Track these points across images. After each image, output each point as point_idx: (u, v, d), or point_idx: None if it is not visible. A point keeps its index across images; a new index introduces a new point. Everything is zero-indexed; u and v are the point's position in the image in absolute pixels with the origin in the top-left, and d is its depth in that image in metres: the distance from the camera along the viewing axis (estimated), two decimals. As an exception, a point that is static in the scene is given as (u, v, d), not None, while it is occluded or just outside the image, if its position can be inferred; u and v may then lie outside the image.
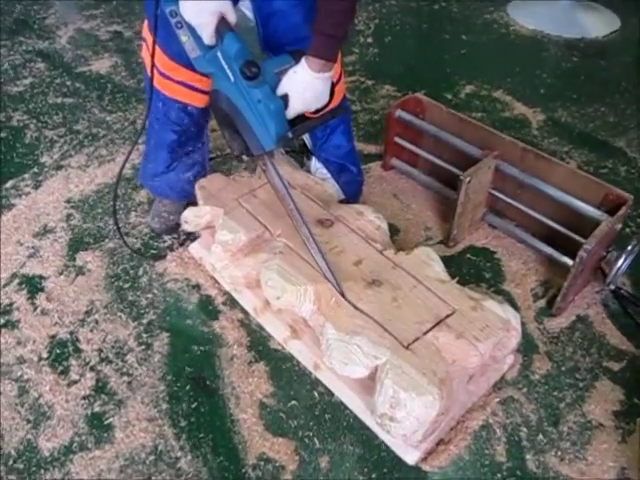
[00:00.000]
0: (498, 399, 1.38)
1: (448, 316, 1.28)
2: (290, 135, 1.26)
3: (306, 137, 1.78)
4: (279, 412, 1.36)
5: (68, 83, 2.60)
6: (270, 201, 1.55)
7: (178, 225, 1.82)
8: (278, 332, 1.48)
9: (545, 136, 2.31)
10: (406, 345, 1.21)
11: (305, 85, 1.24)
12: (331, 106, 1.32)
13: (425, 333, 1.24)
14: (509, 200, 1.75)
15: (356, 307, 1.30)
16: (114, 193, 1.58)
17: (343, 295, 1.33)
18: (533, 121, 2.40)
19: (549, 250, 1.71)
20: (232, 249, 1.48)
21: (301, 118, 1.29)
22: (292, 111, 1.26)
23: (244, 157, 1.33)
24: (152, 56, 1.35)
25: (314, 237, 1.37)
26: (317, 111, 1.31)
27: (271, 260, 1.38)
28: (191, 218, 1.58)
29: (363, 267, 1.39)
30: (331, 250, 1.43)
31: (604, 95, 2.59)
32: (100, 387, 1.40)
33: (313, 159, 1.84)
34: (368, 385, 1.30)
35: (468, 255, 1.78)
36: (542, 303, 1.63)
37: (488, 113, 2.45)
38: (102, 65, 2.74)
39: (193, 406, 1.37)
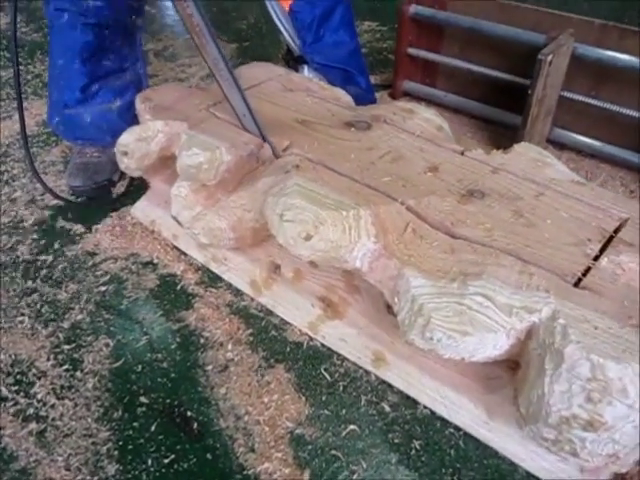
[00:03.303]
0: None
1: (619, 228, 0.71)
2: None
3: (288, 34, 1.20)
4: (330, 449, 0.74)
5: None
6: (265, 109, 0.95)
7: (111, 183, 1.20)
8: (300, 314, 0.88)
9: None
10: (574, 282, 0.64)
11: None
12: None
13: (595, 259, 0.67)
14: (590, 101, 1.23)
15: (453, 235, 0.71)
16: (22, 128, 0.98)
17: (274, 153, 0.86)
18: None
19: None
20: (209, 180, 0.86)
21: None
22: None
23: None
24: None
25: (227, 61, 0.81)
26: None
27: (285, 181, 0.78)
28: (134, 145, 0.94)
29: (443, 175, 0.81)
30: (381, 158, 0.84)
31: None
32: (-15, 450, 0.75)
33: (305, 69, 1.26)
34: (485, 374, 0.72)
35: (546, 183, 1.24)
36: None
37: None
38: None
39: (167, 461, 0.73)
